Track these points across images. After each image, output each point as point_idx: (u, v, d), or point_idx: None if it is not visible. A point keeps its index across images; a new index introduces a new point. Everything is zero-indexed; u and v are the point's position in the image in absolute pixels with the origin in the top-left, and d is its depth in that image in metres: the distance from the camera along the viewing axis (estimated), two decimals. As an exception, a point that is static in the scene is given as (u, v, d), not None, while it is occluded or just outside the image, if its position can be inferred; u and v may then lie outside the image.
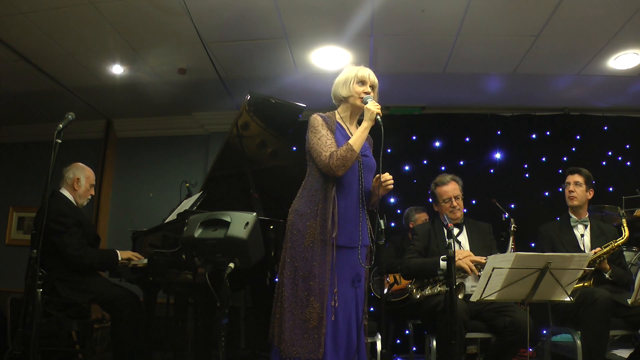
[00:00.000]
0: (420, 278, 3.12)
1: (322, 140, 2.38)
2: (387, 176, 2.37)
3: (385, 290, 3.94)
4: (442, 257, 2.95)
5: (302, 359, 2.26)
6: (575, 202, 3.34)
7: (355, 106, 2.49)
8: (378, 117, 2.35)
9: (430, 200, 3.40)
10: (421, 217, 4.32)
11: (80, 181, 3.36)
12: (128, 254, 3.36)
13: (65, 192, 3.33)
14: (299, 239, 2.37)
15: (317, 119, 2.46)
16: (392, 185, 2.39)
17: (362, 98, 2.44)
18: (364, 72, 2.49)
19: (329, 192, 2.36)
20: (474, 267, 2.92)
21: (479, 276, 2.70)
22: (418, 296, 3.06)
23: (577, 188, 3.34)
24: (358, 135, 2.36)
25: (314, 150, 2.41)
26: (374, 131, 2.42)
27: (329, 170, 2.34)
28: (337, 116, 2.54)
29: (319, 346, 2.25)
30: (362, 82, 2.47)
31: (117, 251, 3.34)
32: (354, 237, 2.40)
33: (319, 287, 2.30)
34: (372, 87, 2.50)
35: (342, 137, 2.44)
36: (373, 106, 2.36)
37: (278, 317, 2.37)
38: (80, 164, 3.45)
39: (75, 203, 3.34)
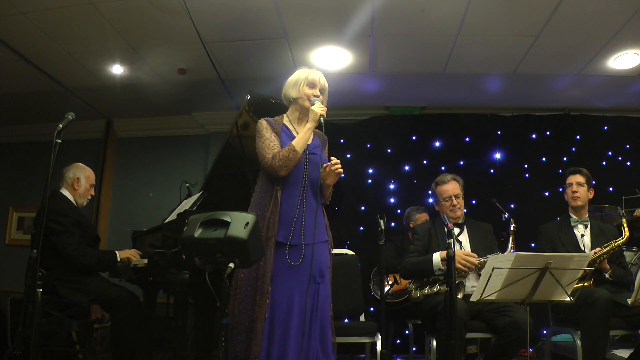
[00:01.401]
0: (417, 277, 3.12)
1: (266, 143, 2.45)
2: (334, 160, 2.40)
3: (385, 290, 3.94)
4: (434, 253, 2.97)
5: (242, 358, 2.27)
6: (579, 202, 3.33)
7: (303, 107, 2.54)
8: (321, 118, 2.42)
9: (431, 200, 3.41)
10: (422, 217, 4.32)
11: (80, 181, 3.36)
12: (127, 253, 3.36)
13: (65, 192, 3.33)
14: None
15: (262, 123, 2.53)
16: (342, 170, 2.41)
17: (310, 100, 2.49)
18: (314, 76, 2.54)
19: (275, 193, 2.42)
20: (467, 264, 2.90)
21: (479, 275, 2.70)
22: (417, 296, 3.06)
23: (579, 188, 3.34)
24: (300, 137, 2.43)
25: (259, 154, 2.47)
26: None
27: (272, 171, 2.40)
28: (286, 119, 2.60)
29: (258, 344, 2.26)
30: (312, 85, 2.52)
31: (116, 252, 3.33)
32: (307, 234, 2.41)
33: (262, 287, 2.33)
34: (321, 90, 2.55)
35: (288, 139, 2.49)
36: (318, 108, 2.44)
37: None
38: (80, 164, 3.45)
39: (75, 203, 3.34)
